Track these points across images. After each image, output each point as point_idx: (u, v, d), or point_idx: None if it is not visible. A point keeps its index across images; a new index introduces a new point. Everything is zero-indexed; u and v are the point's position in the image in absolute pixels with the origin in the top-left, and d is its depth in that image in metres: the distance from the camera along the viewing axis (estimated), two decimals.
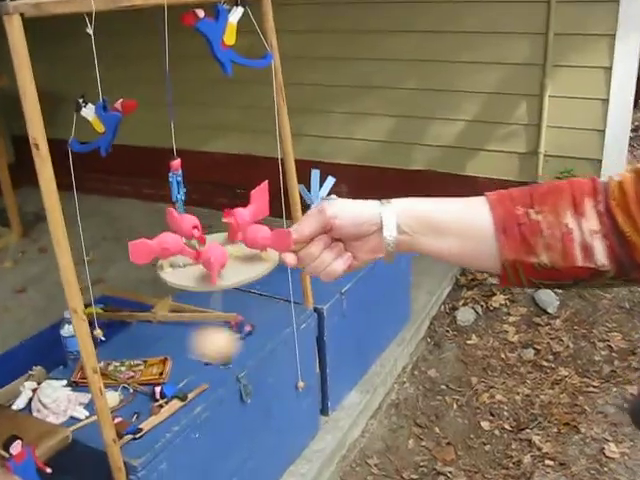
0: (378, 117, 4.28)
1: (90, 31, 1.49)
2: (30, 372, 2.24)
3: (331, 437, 2.76)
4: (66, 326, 2.33)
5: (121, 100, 1.67)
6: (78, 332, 1.59)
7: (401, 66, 4.08)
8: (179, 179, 1.91)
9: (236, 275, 1.08)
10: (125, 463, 1.79)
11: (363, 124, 4.32)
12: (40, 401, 2.00)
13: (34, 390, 2.06)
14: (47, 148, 1.41)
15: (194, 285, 1.07)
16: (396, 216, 0.83)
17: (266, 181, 1.19)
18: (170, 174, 1.90)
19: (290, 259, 0.88)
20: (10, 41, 1.37)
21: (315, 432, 2.74)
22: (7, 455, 1.67)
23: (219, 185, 4.81)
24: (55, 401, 1.99)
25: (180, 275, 1.12)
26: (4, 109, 4.38)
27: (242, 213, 1.16)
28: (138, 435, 1.86)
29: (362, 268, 0.93)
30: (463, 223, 0.84)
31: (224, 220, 1.18)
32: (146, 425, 1.90)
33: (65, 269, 1.50)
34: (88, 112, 1.56)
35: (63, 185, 1.52)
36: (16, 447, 1.68)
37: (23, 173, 3.05)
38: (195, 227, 1.19)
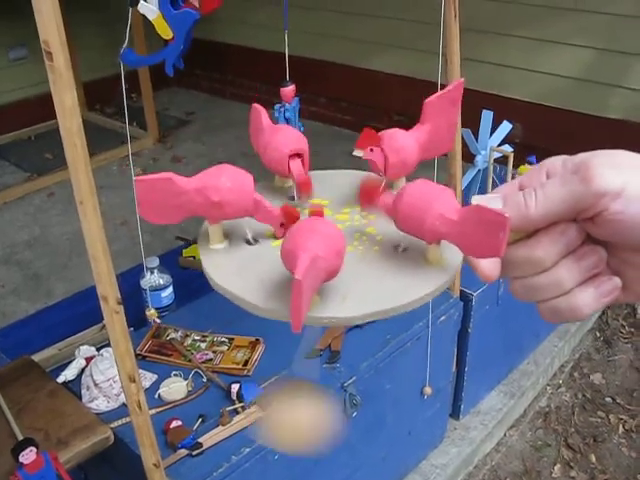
0: (569, 47, 3.43)
1: None
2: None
3: (457, 450, 2.21)
4: (147, 275, 1.90)
5: None
6: (109, 326, 1.11)
7: None
8: (289, 114, 1.35)
9: (363, 294, 0.53)
10: None
11: (549, 54, 3.50)
12: (92, 376, 1.58)
13: (89, 359, 1.64)
14: (67, 58, 0.90)
15: (266, 306, 0.51)
16: None
17: (460, 80, 0.65)
18: (276, 106, 1.35)
19: (489, 270, 0.49)
20: None
21: (439, 442, 2.20)
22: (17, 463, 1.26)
23: (374, 108, 4.21)
24: (109, 379, 1.56)
25: (241, 267, 0.56)
26: None
27: (397, 139, 0.64)
28: (195, 452, 1.40)
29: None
30: None
31: (359, 153, 0.65)
32: (208, 439, 1.43)
33: (93, 238, 1.01)
34: (148, 7, 1.02)
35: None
36: (29, 455, 1.26)
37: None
38: (297, 155, 0.64)
